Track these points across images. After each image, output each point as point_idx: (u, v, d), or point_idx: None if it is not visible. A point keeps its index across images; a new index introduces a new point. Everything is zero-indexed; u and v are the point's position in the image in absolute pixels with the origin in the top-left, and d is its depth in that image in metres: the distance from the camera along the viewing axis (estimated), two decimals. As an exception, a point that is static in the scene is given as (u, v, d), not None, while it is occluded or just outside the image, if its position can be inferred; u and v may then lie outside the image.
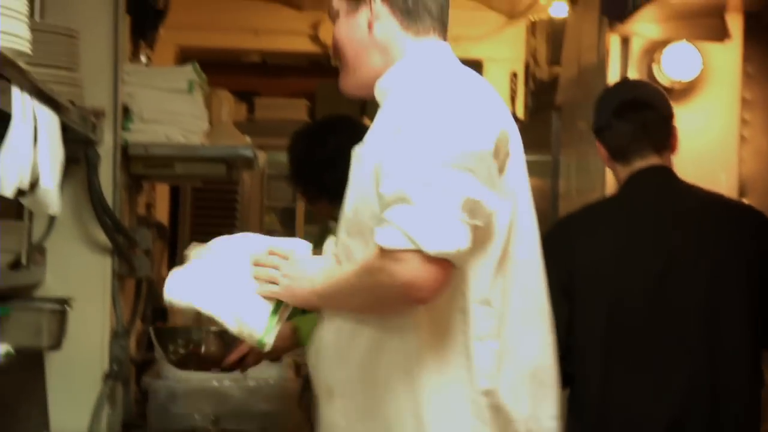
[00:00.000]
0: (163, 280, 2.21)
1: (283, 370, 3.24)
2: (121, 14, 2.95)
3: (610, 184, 3.60)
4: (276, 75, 6.63)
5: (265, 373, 3.18)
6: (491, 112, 1.98)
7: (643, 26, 3.61)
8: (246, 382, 3.15)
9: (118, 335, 2.92)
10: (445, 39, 2.12)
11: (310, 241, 2.21)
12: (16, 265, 2.59)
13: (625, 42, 3.66)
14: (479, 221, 1.89)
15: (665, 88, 3.38)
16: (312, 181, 3.12)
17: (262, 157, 3.38)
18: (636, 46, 3.67)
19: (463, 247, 1.85)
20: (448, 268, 1.86)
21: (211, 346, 3.14)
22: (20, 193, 2.08)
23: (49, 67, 2.50)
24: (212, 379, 3.12)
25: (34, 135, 1.97)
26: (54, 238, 2.85)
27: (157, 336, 3.18)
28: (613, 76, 3.67)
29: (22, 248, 2.60)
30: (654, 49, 3.67)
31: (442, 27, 2.12)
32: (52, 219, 2.83)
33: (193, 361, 3.15)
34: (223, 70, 5.58)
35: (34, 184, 2.04)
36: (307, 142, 3.17)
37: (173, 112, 3.03)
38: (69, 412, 2.85)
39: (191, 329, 3.22)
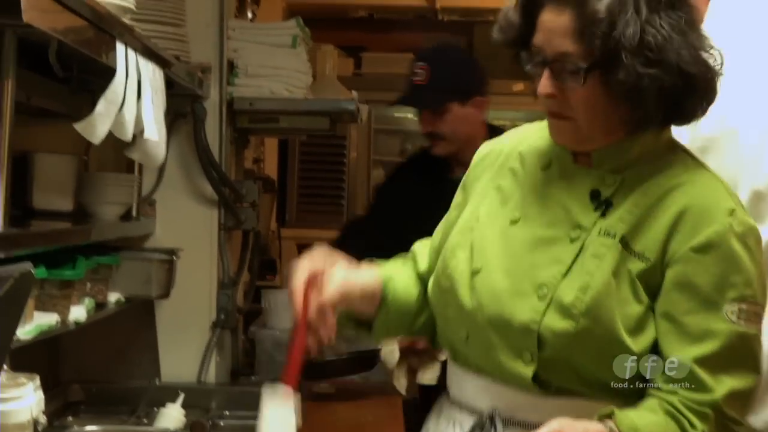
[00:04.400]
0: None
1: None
2: (227, -30, 2.99)
3: None
4: (383, 30, 6.61)
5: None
6: None
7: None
8: (350, 332, 3.19)
9: (224, 285, 3.00)
10: None
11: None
12: (127, 216, 2.67)
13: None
14: None
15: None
16: None
17: (365, 110, 3.40)
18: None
19: None
20: None
21: None
22: (126, 145, 2.16)
23: (154, 23, 2.55)
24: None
25: (138, 89, 2.03)
26: (163, 190, 2.93)
27: None
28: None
29: (132, 200, 2.68)
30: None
31: None
32: (161, 172, 2.91)
33: None
34: (331, 25, 5.59)
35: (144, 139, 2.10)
36: None
37: (277, 66, 3.06)
38: (178, 359, 2.94)
39: None
